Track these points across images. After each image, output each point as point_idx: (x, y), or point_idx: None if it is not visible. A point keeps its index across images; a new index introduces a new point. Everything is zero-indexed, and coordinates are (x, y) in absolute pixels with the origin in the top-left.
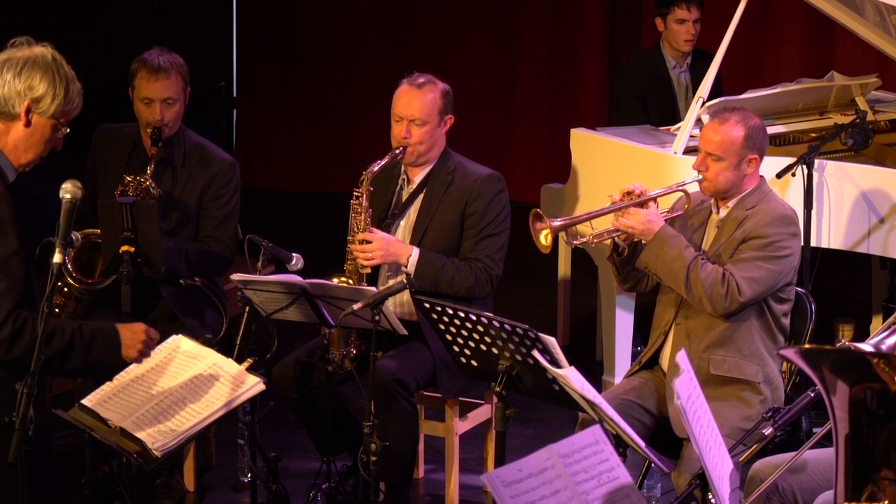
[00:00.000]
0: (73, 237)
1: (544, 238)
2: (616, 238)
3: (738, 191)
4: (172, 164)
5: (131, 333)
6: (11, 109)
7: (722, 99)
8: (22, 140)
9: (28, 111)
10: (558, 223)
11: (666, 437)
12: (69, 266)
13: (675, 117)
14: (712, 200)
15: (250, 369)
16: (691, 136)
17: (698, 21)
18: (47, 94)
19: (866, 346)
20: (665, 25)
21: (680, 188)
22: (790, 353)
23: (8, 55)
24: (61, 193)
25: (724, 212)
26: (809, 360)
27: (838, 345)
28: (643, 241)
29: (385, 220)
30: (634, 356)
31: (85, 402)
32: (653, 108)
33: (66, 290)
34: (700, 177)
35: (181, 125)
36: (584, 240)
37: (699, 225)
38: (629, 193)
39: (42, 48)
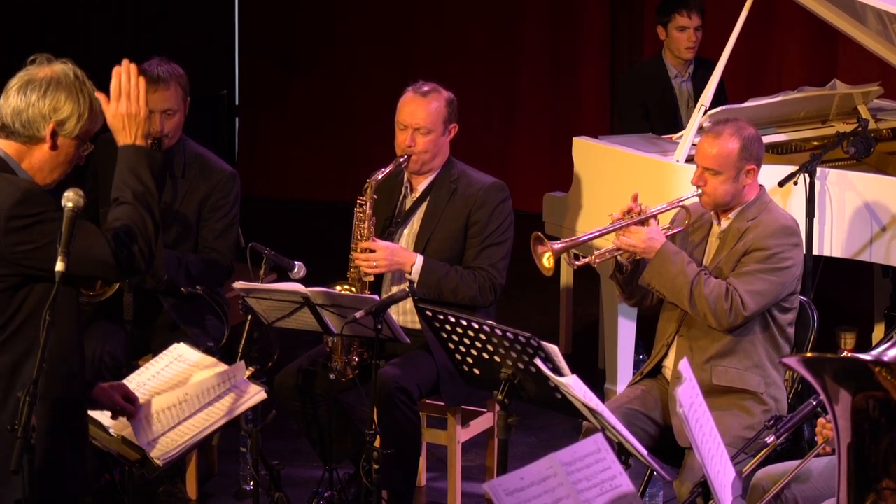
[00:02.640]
0: None
1: (547, 261)
2: (618, 257)
3: (738, 202)
4: (172, 174)
5: (112, 124)
6: (36, 132)
7: (724, 108)
8: (48, 162)
9: (54, 134)
10: (559, 245)
11: (669, 445)
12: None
13: (677, 126)
14: (713, 213)
15: (252, 378)
16: (693, 145)
17: (700, 28)
18: (72, 116)
19: (866, 357)
20: (666, 33)
21: (679, 204)
22: (793, 361)
23: (30, 75)
24: (63, 202)
25: (725, 223)
26: (812, 368)
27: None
28: (646, 259)
29: (388, 228)
30: (636, 364)
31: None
32: (655, 118)
33: None
34: (699, 192)
35: (181, 135)
36: (587, 260)
37: (700, 239)
38: (629, 212)
39: (63, 66)
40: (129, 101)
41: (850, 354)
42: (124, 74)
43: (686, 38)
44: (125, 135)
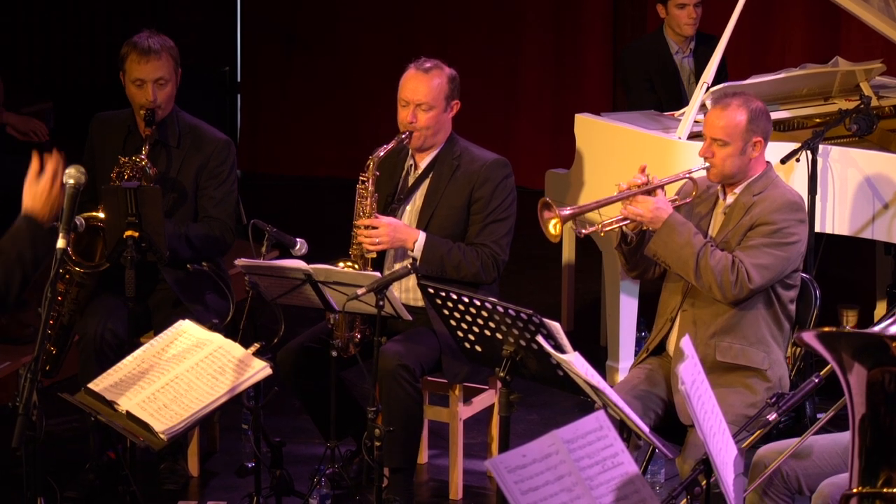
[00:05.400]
0: (77, 222)
1: (553, 227)
2: (624, 227)
3: (744, 176)
4: (167, 145)
5: (34, 197)
6: None
7: (726, 84)
8: None
9: None
10: (567, 212)
11: (672, 422)
12: (69, 252)
13: (680, 102)
14: (719, 187)
15: (257, 353)
16: (695, 122)
17: (699, 4)
18: None
19: (883, 332)
20: (667, 11)
21: (687, 176)
22: (808, 336)
23: None
24: (65, 178)
25: (731, 198)
26: (827, 342)
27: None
28: (652, 229)
29: (391, 205)
30: (638, 341)
31: (91, 385)
32: (659, 93)
33: (67, 276)
34: (707, 164)
35: (174, 106)
36: (593, 229)
37: (706, 212)
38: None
39: None
40: (48, 182)
41: (862, 330)
42: (50, 161)
43: (686, 14)
44: (35, 209)
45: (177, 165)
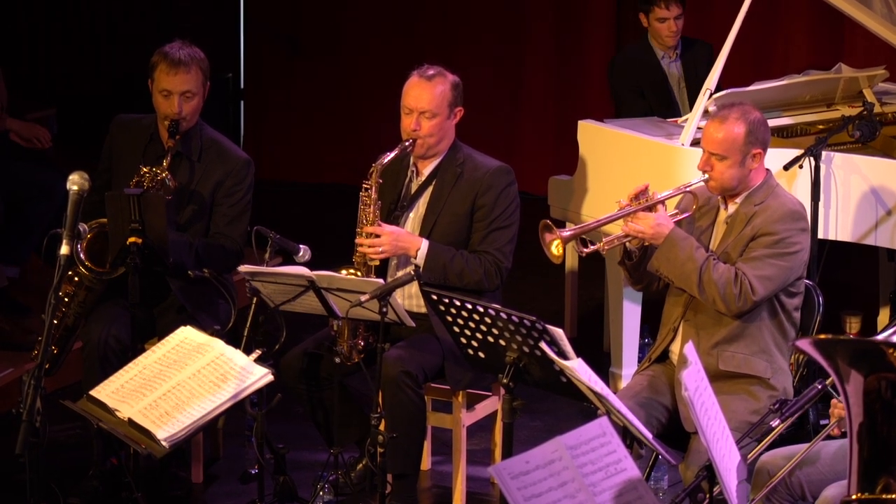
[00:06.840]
0: (81, 229)
1: (556, 248)
2: (626, 243)
3: (745, 187)
4: (189, 157)
5: None
6: None
7: (729, 91)
8: None
9: None
10: (568, 233)
11: (675, 429)
12: (81, 255)
13: (671, 108)
14: (719, 198)
15: (258, 360)
16: (698, 129)
17: (679, 17)
18: None
19: (879, 339)
20: (648, 22)
21: (687, 189)
22: (805, 344)
23: None
24: (68, 185)
25: (732, 208)
26: (824, 350)
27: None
28: (654, 245)
29: (394, 212)
30: (642, 348)
31: (93, 393)
32: (651, 100)
33: (76, 279)
34: (706, 177)
35: (199, 120)
36: (595, 247)
37: (707, 225)
38: (637, 197)
39: None
40: None
41: (857, 337)
42: None
43: (666, 28)
44: None
45: (196, 179)
